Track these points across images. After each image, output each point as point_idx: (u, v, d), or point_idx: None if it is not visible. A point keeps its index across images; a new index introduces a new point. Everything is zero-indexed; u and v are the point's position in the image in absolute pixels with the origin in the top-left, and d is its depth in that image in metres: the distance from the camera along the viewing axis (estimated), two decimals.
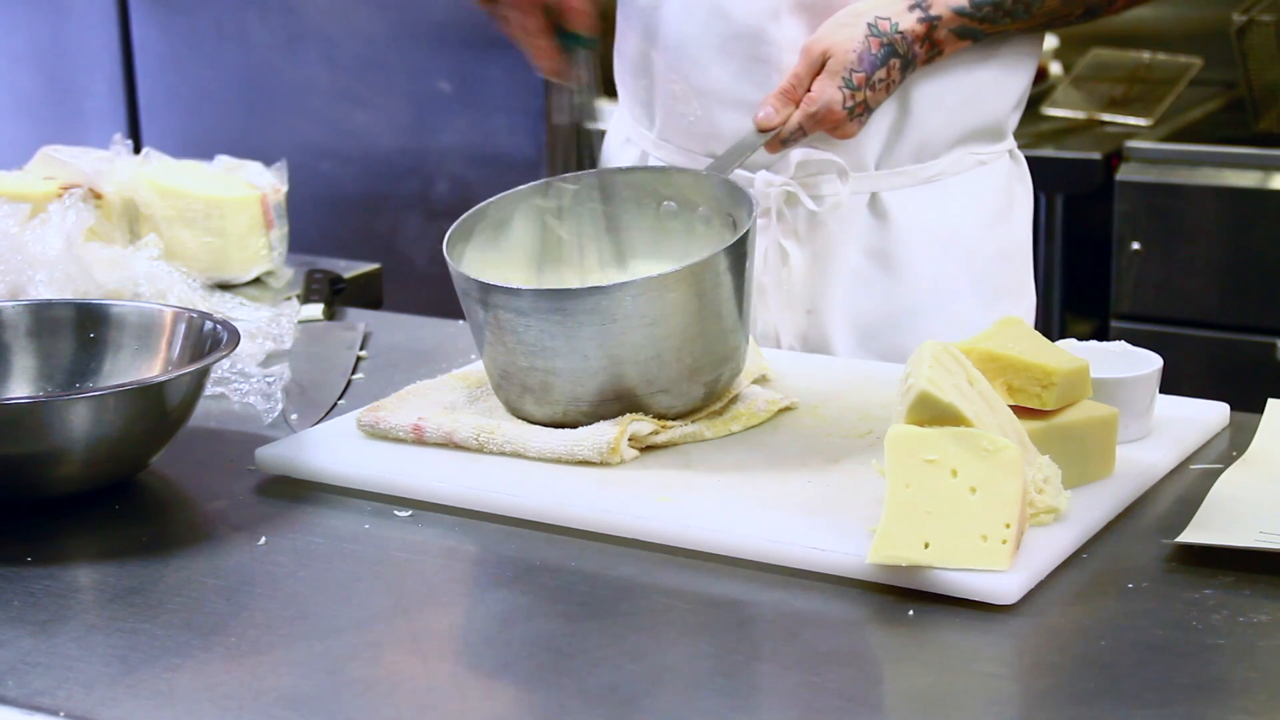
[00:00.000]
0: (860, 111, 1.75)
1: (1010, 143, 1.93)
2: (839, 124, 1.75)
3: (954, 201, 1.87)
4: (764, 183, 1.84)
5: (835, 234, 1.86)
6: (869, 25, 1.73)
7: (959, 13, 1.75)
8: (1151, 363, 1.54)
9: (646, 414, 1.52)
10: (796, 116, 1.74)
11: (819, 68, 1.74)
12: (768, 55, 1.80)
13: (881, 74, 1.74)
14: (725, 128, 1.83)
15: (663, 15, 1.85)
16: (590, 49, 1.73)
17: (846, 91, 1.73)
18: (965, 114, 1.84)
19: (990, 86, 1.84)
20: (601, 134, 1.91)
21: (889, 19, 1.73)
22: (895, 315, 1.87)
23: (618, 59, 1.95)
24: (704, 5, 1.81)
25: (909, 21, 1.74)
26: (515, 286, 1.53)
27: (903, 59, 1.74)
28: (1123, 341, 1.59)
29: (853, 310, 1.88)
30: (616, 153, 1.98)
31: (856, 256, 1.87)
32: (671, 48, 1.85)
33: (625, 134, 1.98)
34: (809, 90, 1.74)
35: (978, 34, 1.77)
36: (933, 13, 1.74)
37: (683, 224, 1.67)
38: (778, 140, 1.75)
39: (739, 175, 1.78)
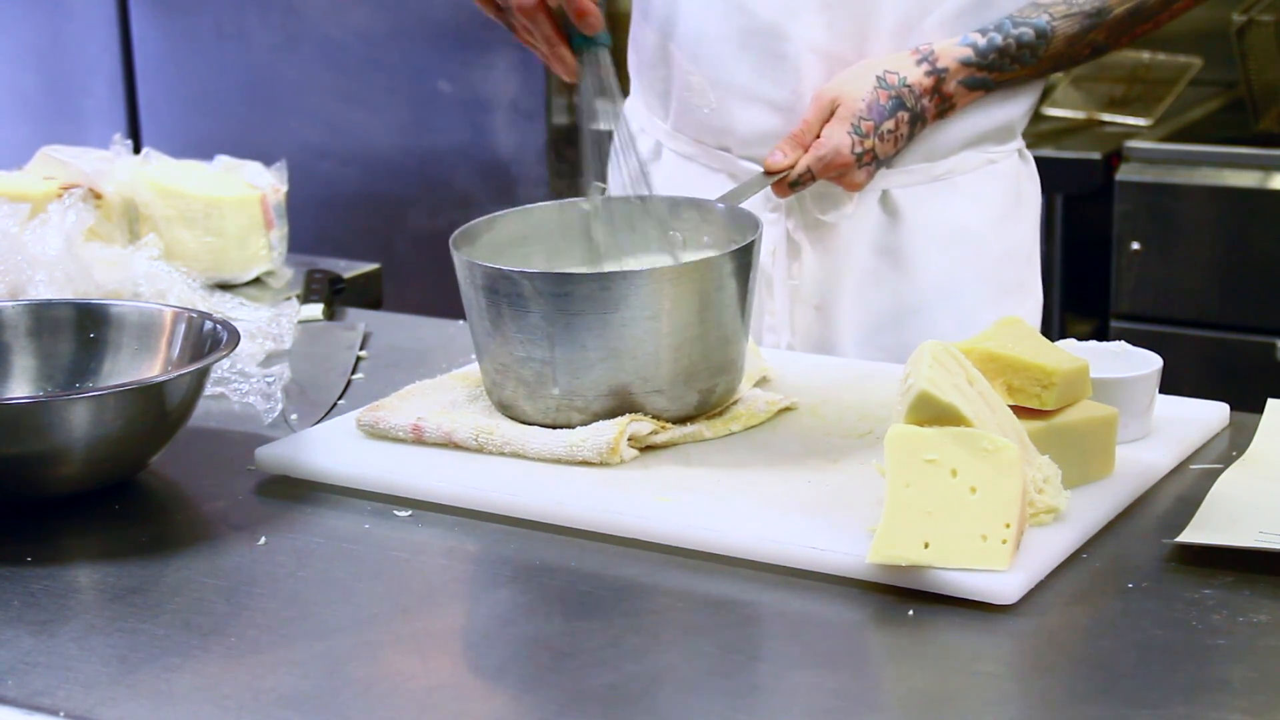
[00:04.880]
0: (868, 160, 1.78)
1: (1019, 142, 1.94)
2: (847, 169, 1.78)
3: (963, 199, 1.88)
4: None
5: (845, 230, 1.87)
6: (877, 78, 1.77)
7: (966, 63, 1.78)
8: (1151, 363, 1.54)
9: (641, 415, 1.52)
10: (805, 160, 1.77)
11: (828, 115, 1.77)
12: (785, 51, 1.81)
13: (890, 125, 1.76)
14: (740, 122, 1.85)
15: (682, 7, 1.86)
16: (606, 48, 1.71)
17: (855, 138, 1.76)
18: (977, 119, 1.86)
19: (1001, 95, 1.85)
20: (609, 134, 1.90)
21: (896, 72, 1.77)
22: (903, 311, 1.89)
23: (634, 49, 1.96)
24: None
25: (916, 74, 1.77)
26: (518, 270, 1.52)
27: (910, 112, 1.77)
28: (1123, 341, 1.59)
29: (861, 306, 1.89)
30: (628, 144, 1.98)
31: (866, 253, 1.88)
32: (690, 40, 1.86)
33: (639, 124, 1.98)
34: (818, 136, 1.76)
35: (989, 83, 1.80)
36: (940, 65, 1.77)
37: (687, 252, 1.67)
38: (785, 183, 1.78)
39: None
